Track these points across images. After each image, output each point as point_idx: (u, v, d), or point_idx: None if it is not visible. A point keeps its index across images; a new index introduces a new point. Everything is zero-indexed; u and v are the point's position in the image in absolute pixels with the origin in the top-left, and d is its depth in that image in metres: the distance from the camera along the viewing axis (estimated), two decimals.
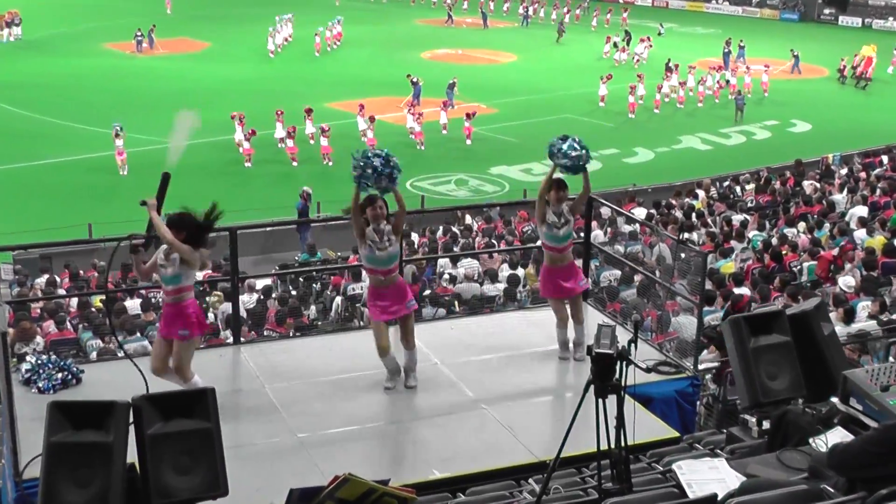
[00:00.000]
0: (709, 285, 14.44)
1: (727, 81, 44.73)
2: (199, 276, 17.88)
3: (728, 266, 17.12)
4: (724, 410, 11.30)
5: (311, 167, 31.57)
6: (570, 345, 10.97)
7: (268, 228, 23.41)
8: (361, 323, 15.23)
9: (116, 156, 30.61)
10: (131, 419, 6.16)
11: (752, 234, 19.39)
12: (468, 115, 35.24)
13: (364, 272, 10.33)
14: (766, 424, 7.24)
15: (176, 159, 9.48)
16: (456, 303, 15.98)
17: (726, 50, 50.57)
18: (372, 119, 33.68)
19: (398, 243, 10.12)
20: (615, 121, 39.55)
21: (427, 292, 16.60)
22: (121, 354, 12.97)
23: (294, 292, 18.06)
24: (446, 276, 17.38)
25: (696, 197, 24.71)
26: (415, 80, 40.61)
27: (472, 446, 9.21)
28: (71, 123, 36.18)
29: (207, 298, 16.66)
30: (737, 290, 14.97)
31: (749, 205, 23.25)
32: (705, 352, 12.19)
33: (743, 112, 40.84)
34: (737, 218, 21.07)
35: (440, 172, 31.94)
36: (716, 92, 44.05)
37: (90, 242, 20.36)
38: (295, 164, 32.29)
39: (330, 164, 31.68)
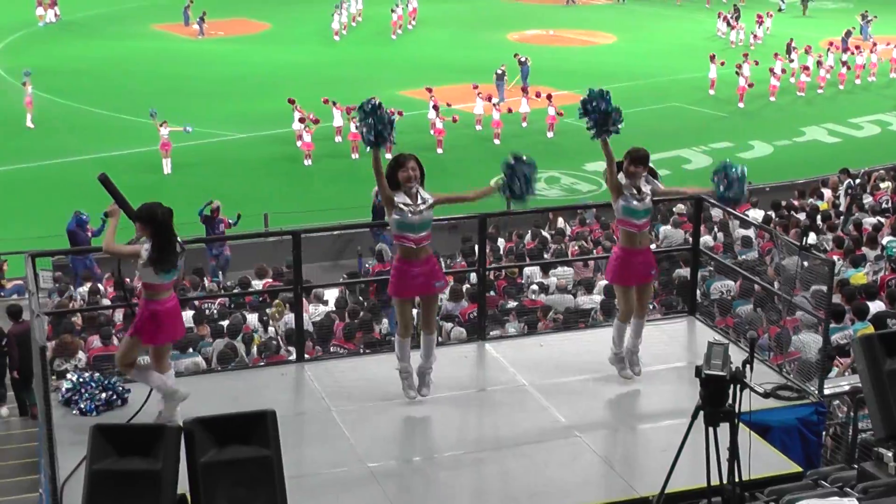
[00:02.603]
0: (837, 298, 14.28)
1: (856, 62, 44.00)
2: (259, 285, 18.13)
3: (859, 276, 16.90)
4: (855, 442, 11.15)
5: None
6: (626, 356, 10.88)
7: (335, 232, 23.50)
8: (439, 338, 15.23)
9: (161, 148, 30.73)
10: (182, 445, 6.24)
11: (886, 240, 19.11)
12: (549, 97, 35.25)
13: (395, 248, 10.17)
14: None
15: None
16: (539, 314, 15.92)
17: (854, 28, 49.62)
18: (436, 107, 33.84)
19: (431, 211, 9.95)
20: (727, 110, 39.21)
21: (513, 304, 16.59)
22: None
23: (364, 304, 18.12)
24: (534, 287, 17.33)
25: (821, 197, 24.40)
26: (523, 59, 40.79)
27: (564, 480, 9.20)
28: (114, 114, 36.69)
29: (268, 310, 16.78)
30: (870, 305, 14.77)
31: (884, 206, 22.92)
32: (832, 373, 12.05)
33: None
34: (868, 221, 20.77)
35: None
36: (840, 74, 43.36)
37: None
38: (356, 155, 32.00)
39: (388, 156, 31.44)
